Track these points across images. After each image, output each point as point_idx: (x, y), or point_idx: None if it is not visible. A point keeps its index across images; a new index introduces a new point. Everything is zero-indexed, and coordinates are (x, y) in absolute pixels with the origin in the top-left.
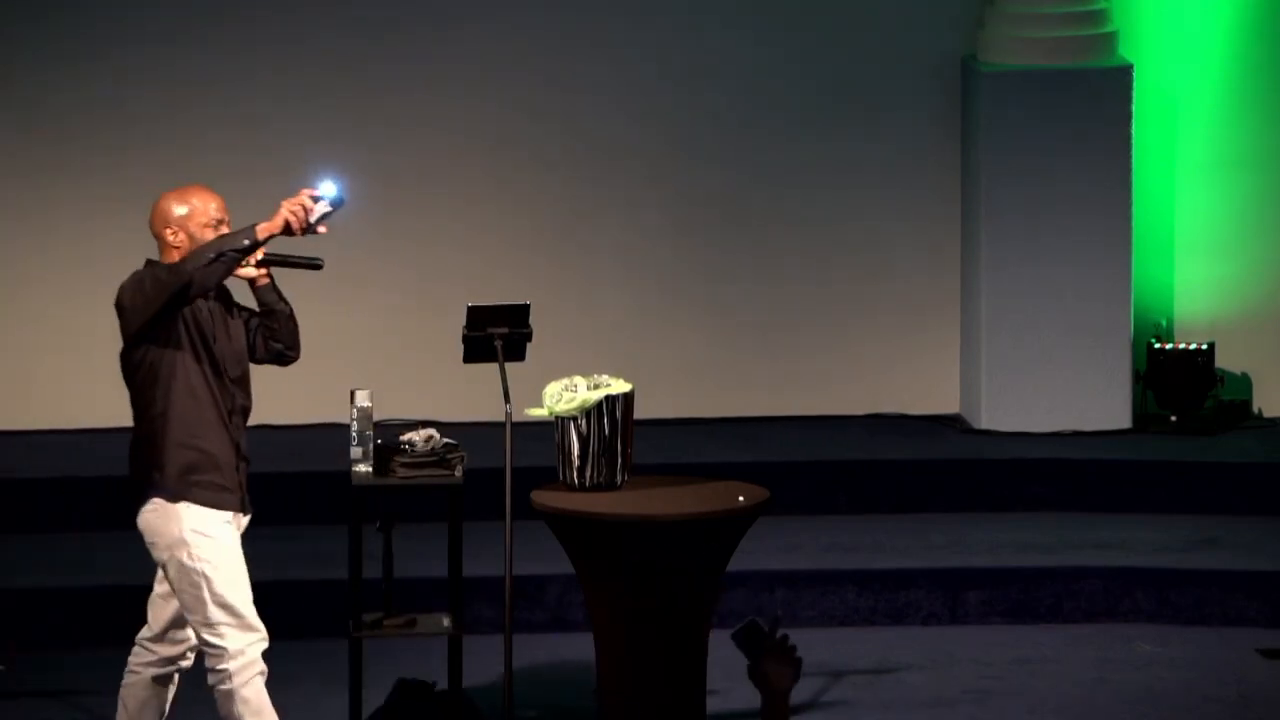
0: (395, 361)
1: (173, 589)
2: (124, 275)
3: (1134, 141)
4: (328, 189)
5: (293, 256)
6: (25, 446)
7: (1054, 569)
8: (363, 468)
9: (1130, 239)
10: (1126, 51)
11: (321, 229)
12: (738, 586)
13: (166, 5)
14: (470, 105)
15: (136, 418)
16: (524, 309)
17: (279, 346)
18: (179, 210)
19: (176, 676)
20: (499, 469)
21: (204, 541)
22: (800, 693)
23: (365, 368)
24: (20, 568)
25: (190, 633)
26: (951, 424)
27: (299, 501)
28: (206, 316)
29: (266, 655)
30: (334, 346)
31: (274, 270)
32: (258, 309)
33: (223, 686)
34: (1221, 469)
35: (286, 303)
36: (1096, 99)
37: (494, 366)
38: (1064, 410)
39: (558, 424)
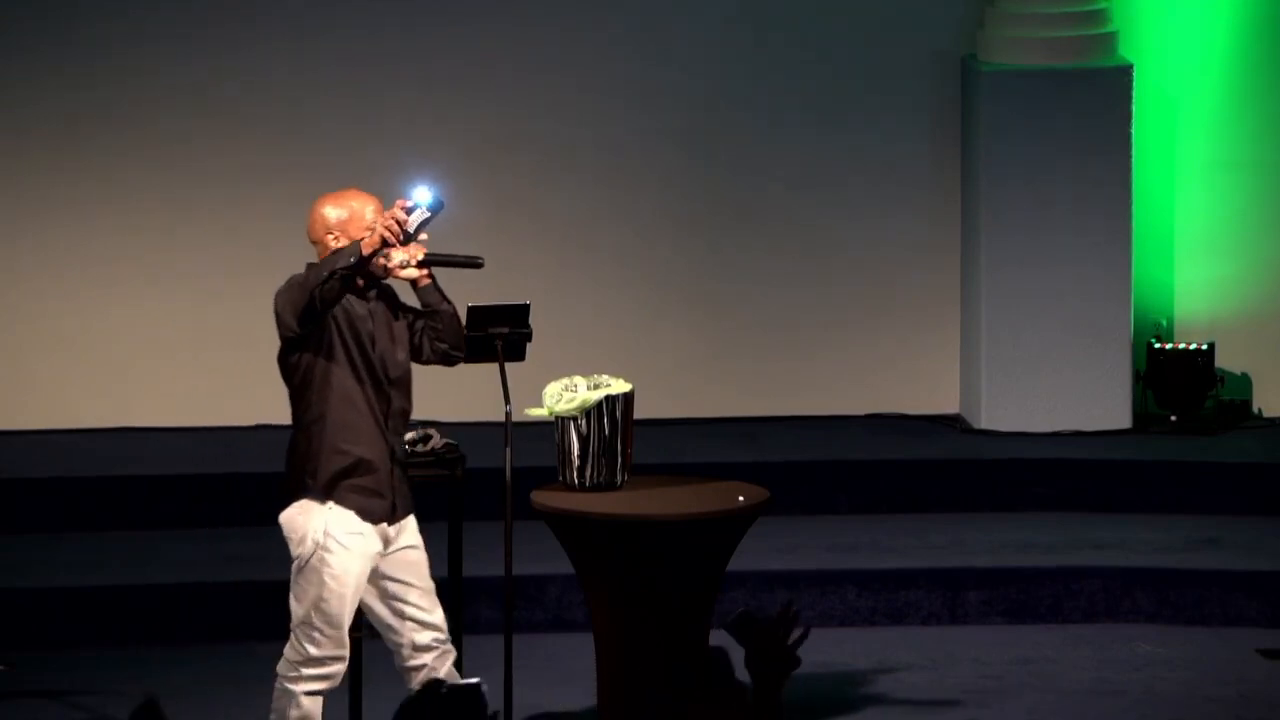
0: None
1: (291, 578)
2: (123, 275)
3: (1134, 141)
4: (422, 195)
5: (452, 256)
6: (25, 446)
7: (1054, 569)
8: None
9: (1130, 239)
10: (1126, 51)
11: (422, 237)
12: (738, 586)
13: (163, 6)
14: (470, 105)
15: (294, 420)
16: (524, 309)
17: (444, 346)
18: (338, 214)
19: (441, 654)
20: (499, 469)
21: (338, 550)
22: (800, 693)
23: None
24: (20, 568)
25: (416, 615)
26: (951, 424)
27: None
28: (364, 318)
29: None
30: None
31: (435, 270)
32: (420, 310)
33: (290, 686)
34: (1221, 469)
35: (450, 302)
36: (1096, 99)
37: (494, 366)
38: (1064, 410)
39: (558, 424)
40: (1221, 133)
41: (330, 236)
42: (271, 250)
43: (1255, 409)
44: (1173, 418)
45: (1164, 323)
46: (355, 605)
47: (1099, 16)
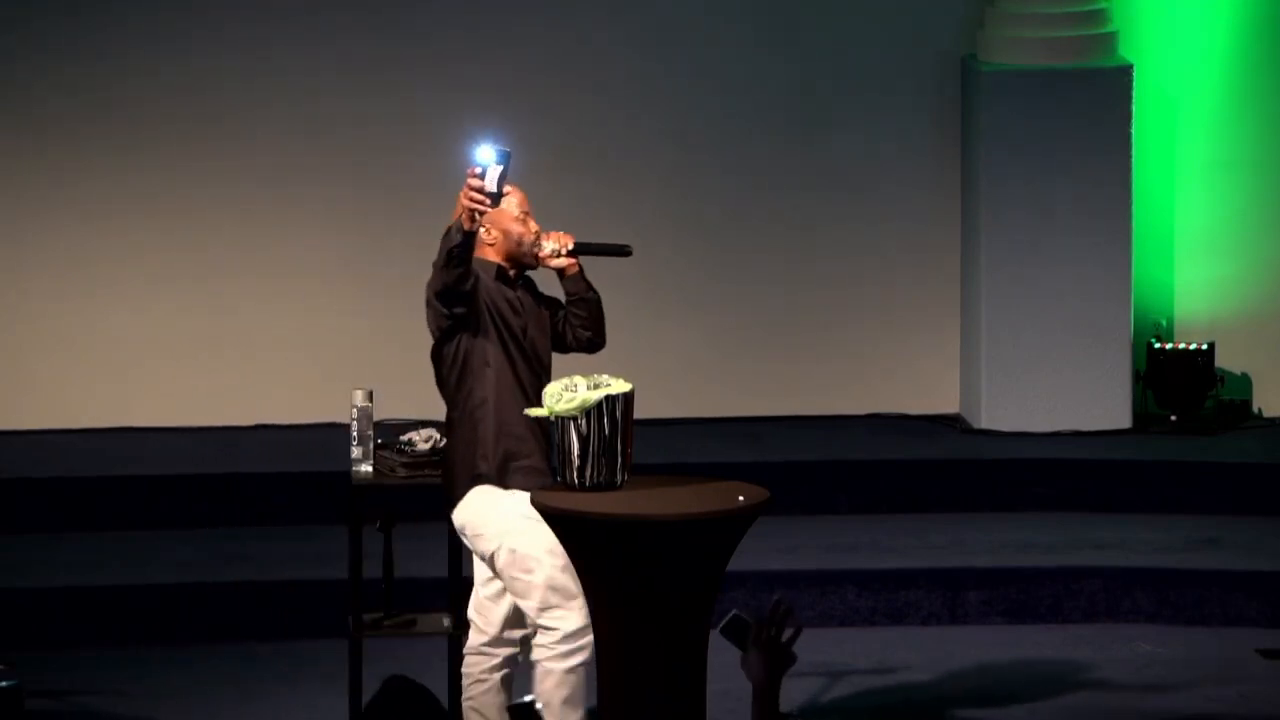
0: (395, 361)
1: (500, 578)
2: (123, 275)
3: (1134, 141)
4: (485, 155)
5: (600, 244)
6: (25, 446)
7: (1054, 569)
8: (363, 468)
9: (1130, 239)
10: (1126, 51)
11: (506, 190)
12: (738, 586)
13: (164, 6)
14: (471, 105)
15: (453, 409)
16: None
17: (587, 334)
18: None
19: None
20: None
21: (531, 528)
22: (800, 693)
23: (365, 368)
24: (20, 568)
25: (522, 627)
26: (951, 424)
27: (299, 501)
28: (513, 304)
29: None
30: (334, 346)
31: (583, 259)
32: (565, 298)
33: (556, 665)
34: (1221, 469)
35: (595, 290)
36: (1096, 99)
37: None
38: (1064, 410)
39: (558, 424)
40: (1221, 133)
41: (482, 229)
42: (272, 251)
43: (1255, 409)
44: (1173, 418)
45: (1164, 323)
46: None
47: (1099, 16)
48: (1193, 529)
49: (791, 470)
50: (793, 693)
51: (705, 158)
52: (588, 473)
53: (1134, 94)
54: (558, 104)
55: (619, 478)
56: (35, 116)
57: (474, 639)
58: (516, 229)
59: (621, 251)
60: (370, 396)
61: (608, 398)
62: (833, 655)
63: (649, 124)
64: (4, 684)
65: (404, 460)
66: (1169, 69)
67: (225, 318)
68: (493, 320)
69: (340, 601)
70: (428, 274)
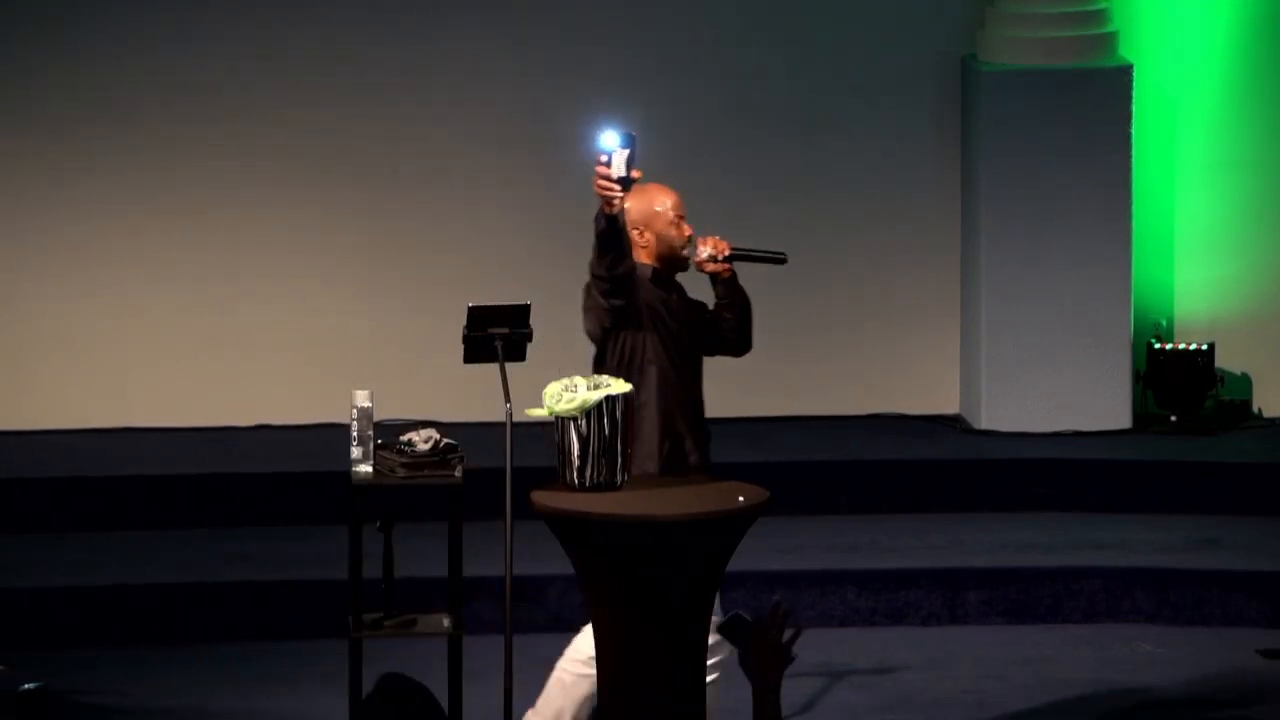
0: (395, 361)
1: None
2: (123, 275)
3: (1134, 141)
4: (610, 140)
5: (756, 251)
6: (25, 446)
7: (1054, 569)
8: (363, 468)
9: (1130, 239)
10: (1126, 51)
11: (636, 174)
12: (738, 586)
13: (163, 8)
14: (471, 105)
15: None
16: (524, 309)
17: (734, 338)
18: (638, 210)
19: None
20: (499, 469)
21: None
22: (800, 693)
23: (365, 368)
24: (21, 568)
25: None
26: (951, 424)
27: (299, 501)
28: (669, 306)
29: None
30: (334, 346)
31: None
32: (716, 302)
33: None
34: (1221, 469)
35: (745, 295)
36: (1096, 99)
37: (494, 366)
38: (1064, 410)
39: (558, 424)
40: (1221, 133)
41: (635, 232)
42: (272, 251)
43: (1255, 409)
44: (1173, 418)
45: (1164, 323)
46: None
47: (1099, 16)
48: (1193, 529)
49: (791, 470)
50: (793, 693)
51: (705, 158)
52: (588, 473)
53: (1134, 94)
54: (557, 104)
55: (619, 478)
56: (35, 116)
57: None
58: (670, 233)
59: (777, 259)
60: (370, 396)
61: (608, 398)
62: (833, 655)
63: (649, 124)
64: (30, 686)
65: (404, 460)
66: (1169, 69)
67: (225, 318)
68: (652, 320)
69: (340, 601)
70: (427, 274)
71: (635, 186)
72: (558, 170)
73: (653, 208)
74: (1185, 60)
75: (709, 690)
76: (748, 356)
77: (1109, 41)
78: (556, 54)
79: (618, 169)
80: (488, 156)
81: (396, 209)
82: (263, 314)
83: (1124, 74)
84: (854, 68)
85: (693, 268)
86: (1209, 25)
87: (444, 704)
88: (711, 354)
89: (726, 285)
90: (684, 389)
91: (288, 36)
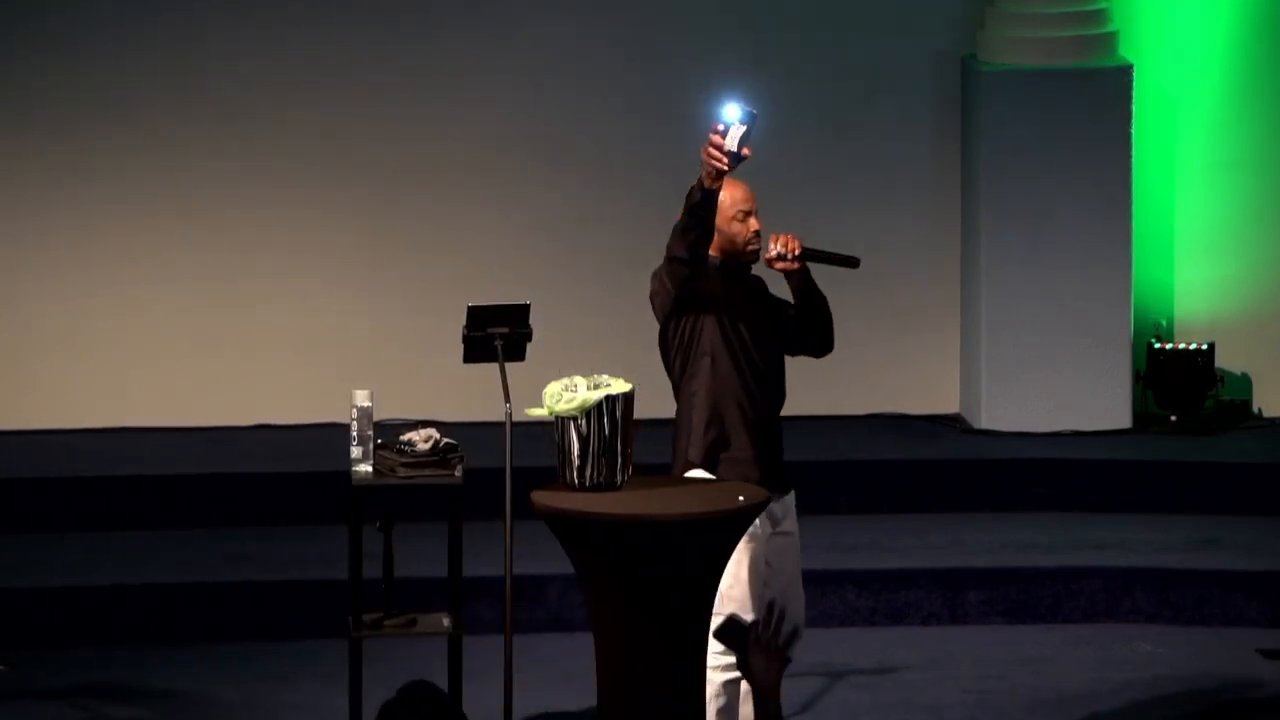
0: (395, 361)
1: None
2: (123, 275)
3: (1134, 141)
4: (731, 113)
5: (829, 253)
6: (25, 446)
7: (1054, 569)
8: (363, 468)
9: (1130, 239)
10: (1126, 51)
11: (745, 152)
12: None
13: (165, 9)
14: (471, 106)
15: (675, 395)
16: (524, 309)
17: (811, 338)
18: None
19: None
20: (499, 469)
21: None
22: (800, 693)
23: (365, 368)
24: (20, 568)
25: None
26: (951, 424)
27: (299, 501)
28: (737, 300)
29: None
30: (334, 346)
31: (813, 266)
32: (792, 300)
33: (711, 674)
34: (1221, 469)
35: (821, 295)
36: (1096, 99)
37: (494, 366)
38: (1064, 410)
39: (558, 424)
40: (1221, 133)
41: None
42: (272, 251)
43: (1255, 409)
44: (1173, 418)
45: (1164, 323)
46: (757, 586)
47: (1099, 16)
48: (1193, 529)
49: (791, 470)
50: (793, 693)
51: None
52: (588, 473)
53: (1134, 94)
54: (556, 105)
55: (619, 478)
56: (35, 116)
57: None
58: (733, 227)
59: (849, 262)
60: (370, 396)
61: (608, 398)
62: (833, 655)
63: (648, 124)
64: None
65: (404, 460)
66: (1169, 69)
67: (225, 318)
68: (715, 312)
69: (340, 601)
70: (427, 274)
71: None
72: (559, 170)
73: (720, 200)
74: (1185, 60)
75: (732, 688)
76: None
77: (1109, 41)
78: (556, 54)
79: (731, 142)
80: (488, 156)
81: (396, 209)
82: (263, 314)
83: (1124, 74)
84: (854, 68)
85: (765, 264)
86: (1209, 25)
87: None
88: (793, 354)
89: (799, 284)
90: (743, 384)
91: (288, 37)
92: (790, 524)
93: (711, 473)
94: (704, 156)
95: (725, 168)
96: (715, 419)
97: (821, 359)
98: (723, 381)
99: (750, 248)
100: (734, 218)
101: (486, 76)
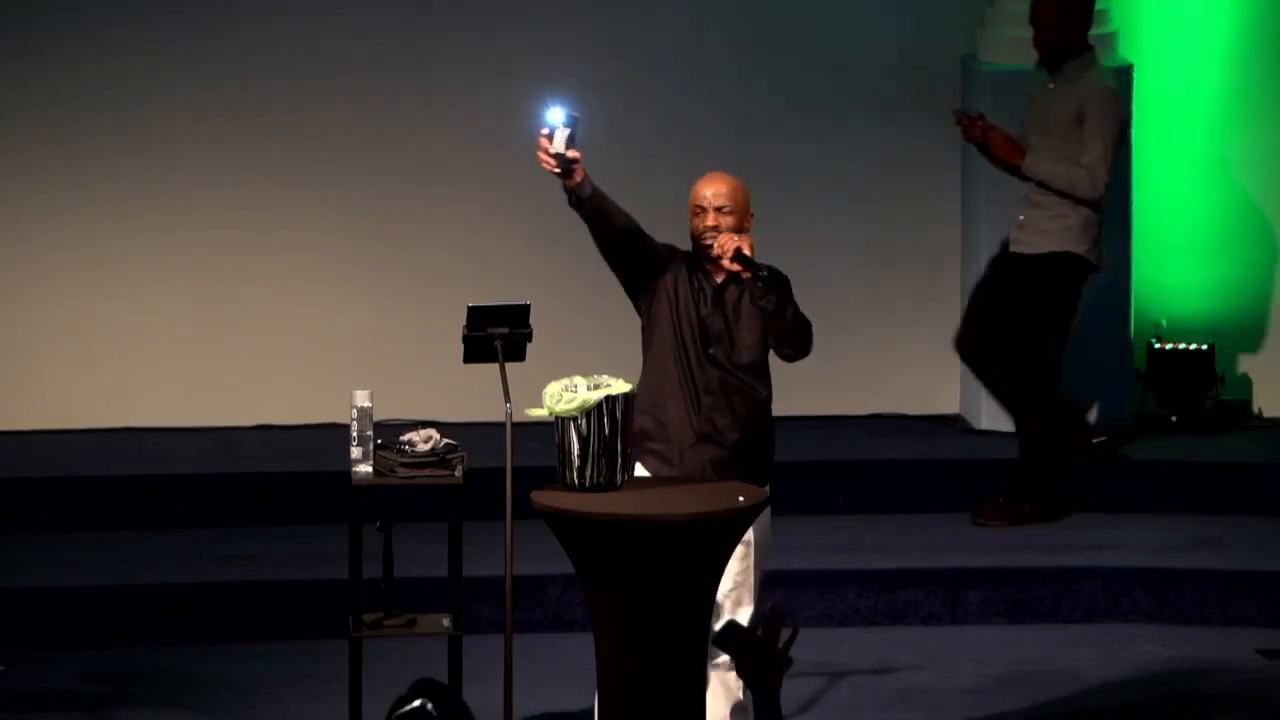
0: (395, 361)
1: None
2: (123, 276)
3: (1134, 141)
4: (555, 116)
5: (758, 265)
6: (25, 446)
7: (1054, 569)
8: (363, 468)
9: (1130, 239)
10: (1126, 51)
11: (572, 153)
12: None
13: (164, 8)
14: (472, 106)
15: None
16: (524, 309)
17: (772, 342)
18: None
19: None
20: (499, 469)
21: None
22: (800, 693)
23: (365, 368)
24: (20, 568)
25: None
26: (951, 424)
27: (299, 501)
28: (701, 292)
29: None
30: (334, 346)
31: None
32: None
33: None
34: (1221, 469)
35: (778, 304)
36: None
37: (494, 366)
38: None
39: (558, 424)
40: (1221, 133)
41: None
42: (273, 252)
43: (1255, 409)
44: (1173, 418)
45: (1164, 323)
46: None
47: (1099, 16)
48: (1193, 529)
49: (791, 470)
50: (793, 693)
51: (705, 158)
52: (588, 473)
53: (1134, 94)
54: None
55: (619, 478)
56: (35, 117)
57: None
58: (692, 222)
59: (758, 276)
60: (370, 396)
61: (608, 398)
62: (833, 655)
63: (648, 124)
64: None
65: (404, 460)
66: (1169, 69)
67: (225, 318)
68: (669, 303)
69: (340, 601)
70: (427, 274)
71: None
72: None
73: (691, 193)
74: (1185, 60)
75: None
76: None
77: (1109, 41)
78: (555, 55)
79: (558, 144)
80: (488, 156)
81: (397, 209)
82: (263, 314)
83: (1124, 74)
84: (854, 68)
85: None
86: (1209, 25)
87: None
88: (776, 353)
89: (749, 289)
90: (684, 376)
91: (288, 36)
92: (761, 532)
93: (640, 462)
94: (540, 161)
95: (556, 170)
96: (650, 407)
97: (818, 360)
98: (663, 373)
99: (705, 242)
100: (692, 212)
101: (487, 76)
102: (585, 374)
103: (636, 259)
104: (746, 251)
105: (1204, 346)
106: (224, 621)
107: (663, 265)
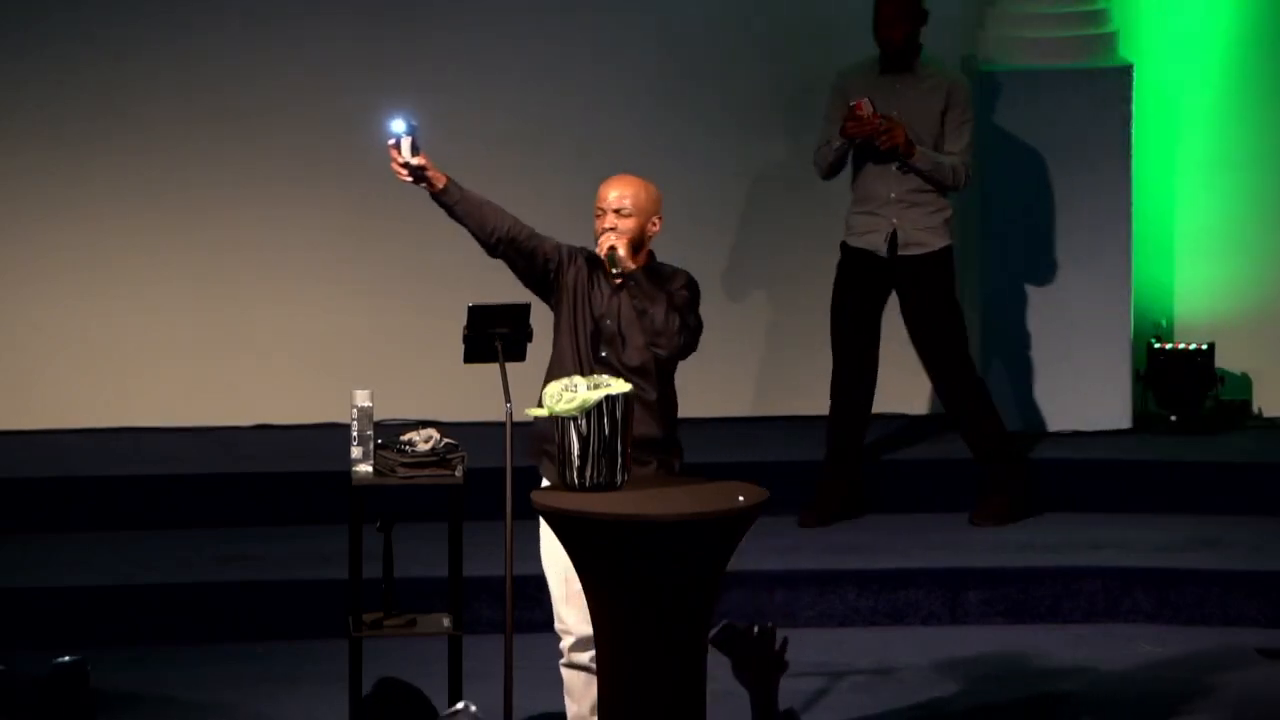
0: (395, 361)
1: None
2: (123, 276)
3: (1134, 141)
4: (396, 126)
5: (617, 265)
6: (25, 446)
7: (1054, 569)
8: (363, 468)
9: (1130, 239)
10: (1126, 51)
11: (417, 160)
12: (738, 586)
13: (169, 11)
14: (471, 105)
15: None
16: (524, 309)
17: (645, 340)
18: None
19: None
20: (499, 469)
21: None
22: (800, 693)
23: (365, 368)
24: (20, 568)
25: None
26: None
27: (299, 501)
28: (601, 292)
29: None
30: (334, 346)
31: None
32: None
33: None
34: (1221, 469)
35: (642, 303)
36: (1096, 99)
37: (494, 366)
38: (1064, 410)
39: (558, 424)
40: (1221, 132)
41: None
42: (273, 251)
43: (1255, 409)
44: (1173, 418)
45: (1164, 323)
46: (556, 567)
47: (1099, 16)
48: (1193, 529)
49: (791, 470)
50: (793, 693)
51: (704, 158)
52: (588, 473)
53: (1134, 94)
54: (554, 105)
55: (619, 478)
56: (36, 117)
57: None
58: (595, 221)
59: (616, 275)
60: (370, 396)
61: (608, 398)
62: (833, 655)
63: (648, 124)
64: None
65: (404, 460)
66: (1169, 69)
67: (225, 318)
68: (570, 303)
69: (340, 601)
70: (427, 274)
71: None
72: (559, 170)
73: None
74: (1185, 60)
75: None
76: (748, 354)
77: (1109, 41)
78: (555, 55)
79: (406, 153)
80: (489, 156)
81: (397, 208)
82: (263, 314)
83: (1124, 74)
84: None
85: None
86: (1209, 25)
87: (442, 705)
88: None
89: (629, 288)
90: (582, 375)
91: (288, 36)
92: None
93: (538, 465)
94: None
95: (408, 179)
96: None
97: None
98: (563, 370)
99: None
100: (595, 213)
101: (487, 76)
102: (585, 374)
103: (520, 260)
104: (621, 251)
105: (1204, 346)
106: (224, 621)
107: (561, 265)
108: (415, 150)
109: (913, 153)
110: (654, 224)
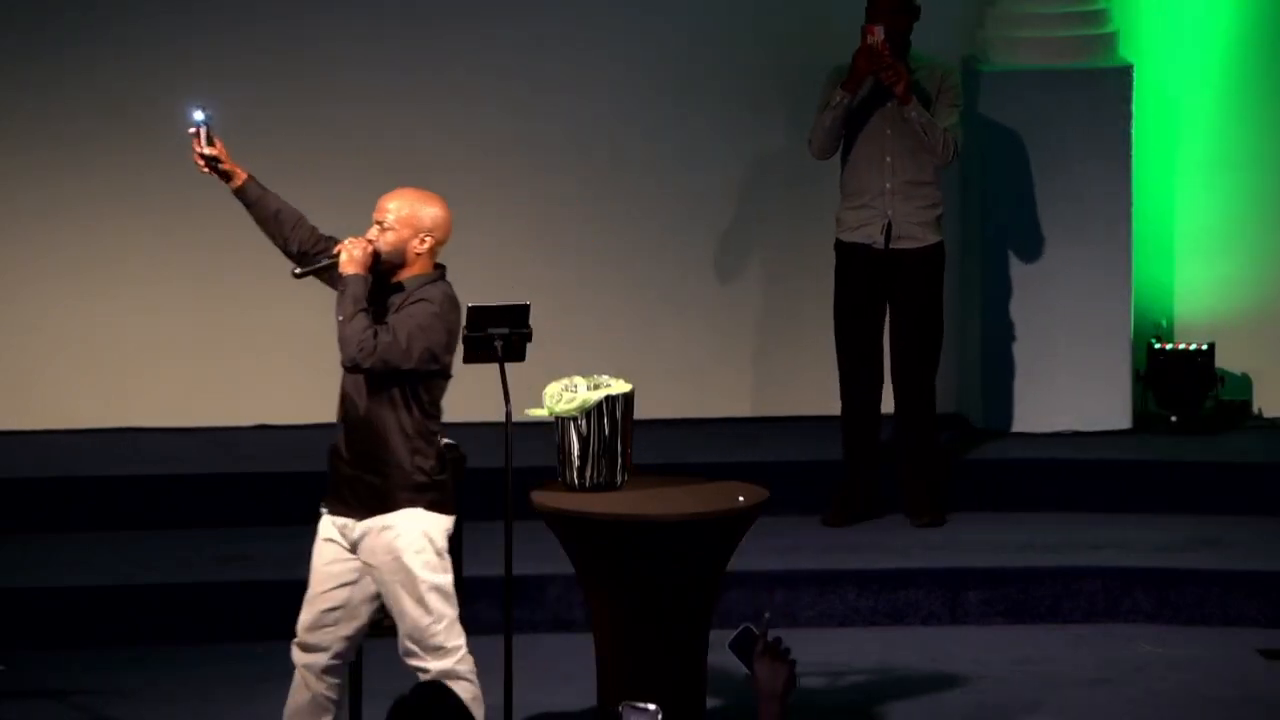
0: None
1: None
2: (123, 276)
3: (1134, 141)
4: (196, 115)
5: (329, 272)
6: (25, 446)
7: (1054, 569)
8: None
9: (1130, 239)
10: (1126, 51)
11: (211, 150)
12: (737, 586)
13: (168, 11)
14: (470, 107)
15: None
16: (524, 309)
17: None
18: None
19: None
20: (499, 469)
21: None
22: (801, 693)
23: None
24: (20, 568)
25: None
26: (952, 424)
27: (299, 501)
28: (372, 294)
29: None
30: (334, 346)
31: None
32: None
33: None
34: (1221, 469)
35: (343, 311)
36: (1096, 99)
37: (494, 366)
38: (1064, 410)
39: (558, 424)
40: (1221, 132)
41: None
42: (272, 251)
43: (1255, 409)
44: (1173, 418)
45: (1164, 323)
46: (325, 588)
47: (1099, 16)
48: (1193, 529)
49: (791, 470)
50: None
51: (705, 158)
52: (588, 473)
53: (1134, 94)
54: (554, 104)
55: (619, 478)
56: (35, 118)
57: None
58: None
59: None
60: None
61: (608, 398)
62: (833, 655)
63: (648, 124)
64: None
65: None
66: (1169, 69)
67: (225, 318)
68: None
69: None
70: None
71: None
72: (559, 171)
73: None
74: (1185, 60)
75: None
76: (746, 356)
77: (1109, 41)
78: (555, 56)
79: (203, 144)
80: (488, 157)
81: None
82: (263, 314)
83: (1124, 74)
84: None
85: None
86: (1209, 25)
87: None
88: None
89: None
90: (343, 388)
91: (287, 36)
92: (374, 557)
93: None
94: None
95: (205, 169)
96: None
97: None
98: (344, 400)
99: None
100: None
101: (485, 77)
102: (585, 374)
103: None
104: (356, 254)
105: (1204, 346)
106: (224, 621)
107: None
108: (210, 140)
109: (910, 101)
110: (421, 242)
